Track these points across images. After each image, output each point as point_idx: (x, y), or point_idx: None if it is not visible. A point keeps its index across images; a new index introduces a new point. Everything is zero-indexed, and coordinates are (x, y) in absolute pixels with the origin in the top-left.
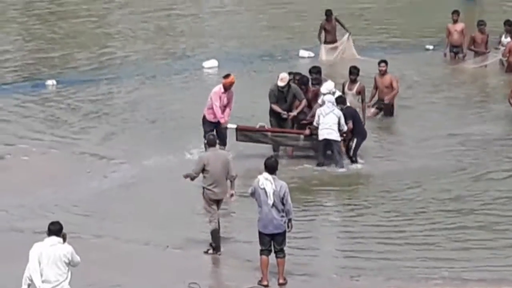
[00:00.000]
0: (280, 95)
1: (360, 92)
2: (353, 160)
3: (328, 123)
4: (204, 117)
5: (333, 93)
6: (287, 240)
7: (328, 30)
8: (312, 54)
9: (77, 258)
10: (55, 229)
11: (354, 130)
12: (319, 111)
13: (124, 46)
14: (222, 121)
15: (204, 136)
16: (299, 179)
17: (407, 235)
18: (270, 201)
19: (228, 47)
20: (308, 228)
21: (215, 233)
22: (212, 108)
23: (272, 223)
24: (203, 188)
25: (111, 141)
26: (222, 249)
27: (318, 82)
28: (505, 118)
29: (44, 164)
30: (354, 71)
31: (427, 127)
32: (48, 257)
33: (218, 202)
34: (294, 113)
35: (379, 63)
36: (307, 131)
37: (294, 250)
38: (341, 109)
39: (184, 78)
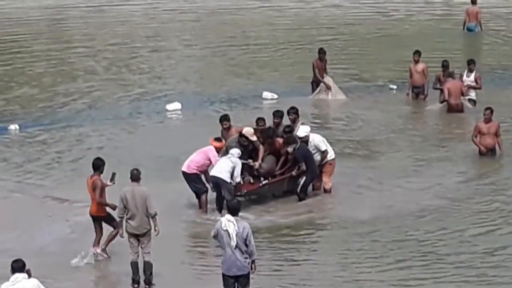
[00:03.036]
0: (242, 149)
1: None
2: (300, 198)
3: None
4: (196, 174)
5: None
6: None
7: (319, 69)
8: (275, 96)
9: None
10: (18, 266)
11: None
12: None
13: (86, 87)
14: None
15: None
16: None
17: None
18: (233, 243)
19: (190, 88)
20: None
21: (133, 266)
22: (205, 167)
23: (236, 264)
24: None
25: (72, 185)
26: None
27: (290, 130)
28: (470, 157)
29: (6, 208)
30: (277, 114)
31: (393, 170)
32: None
33: (138, 236)
34: (258, 162)
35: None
36: (293, 173)
37: None
38: (294, 149)
39: (148, 120)
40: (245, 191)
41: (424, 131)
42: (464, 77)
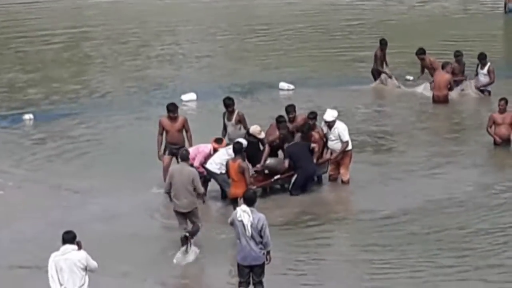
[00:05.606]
0: (252, 145)
1: (240, 121)
2: (292, 194)
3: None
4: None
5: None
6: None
7: (379, 57)
8: (291, 87)
9: (94, 264)
10: (69, 237)
11: (295, 166)
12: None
13: (100, 76)
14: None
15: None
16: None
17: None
18: (248, 233)
19: (205, 78)
20: (287, 261)
21: (182, 240)
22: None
23: (251, 255)
24: None
25: (87, 175)
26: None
27: (314, 117)
28: (485, 148)
29: (20, 198)
30: (229, 103)
31: (410, 163)
32: (64, 264)
33: (184, 215)
34: (261, 163)
35: None
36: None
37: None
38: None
39: (163, 111)
40: (255, 186)
41: (437, 123)
42: (479, 69)
